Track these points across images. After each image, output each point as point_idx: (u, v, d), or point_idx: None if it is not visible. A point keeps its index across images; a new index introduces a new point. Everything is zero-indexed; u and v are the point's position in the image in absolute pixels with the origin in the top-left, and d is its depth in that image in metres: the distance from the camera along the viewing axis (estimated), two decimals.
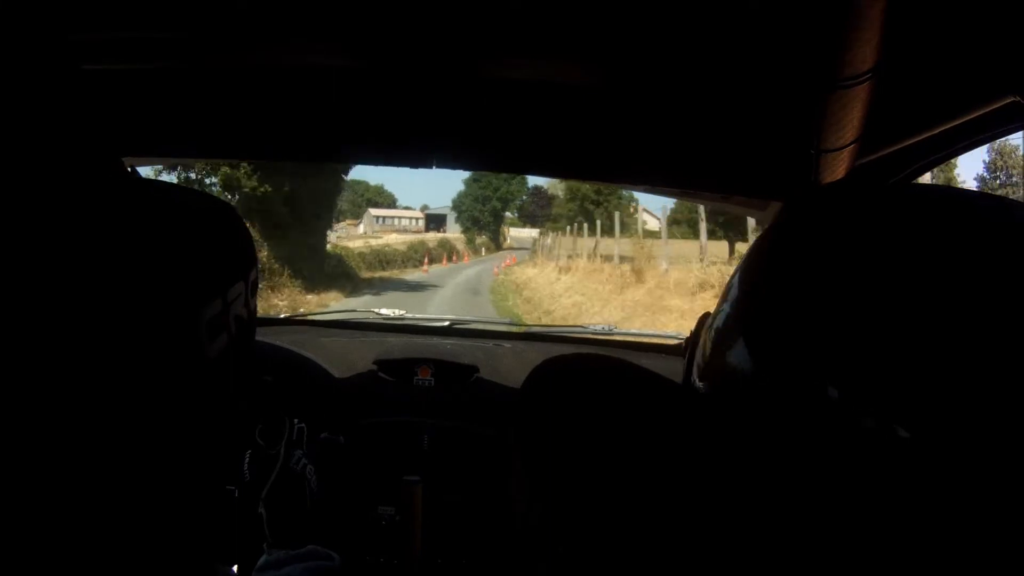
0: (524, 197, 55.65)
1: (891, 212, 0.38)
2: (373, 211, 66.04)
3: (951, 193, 0.39)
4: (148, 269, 0.48)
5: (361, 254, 27.78)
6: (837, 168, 0.89)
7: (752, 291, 0.42)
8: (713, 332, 0.44)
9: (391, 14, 0.84)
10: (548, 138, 1.14)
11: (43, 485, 0.44)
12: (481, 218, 51.82)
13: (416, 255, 32.90)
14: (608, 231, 22.75)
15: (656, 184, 1.29)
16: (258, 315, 0.62)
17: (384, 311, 2.08)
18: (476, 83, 1.01)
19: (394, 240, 37.93)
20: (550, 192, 55.22)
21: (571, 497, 0.43)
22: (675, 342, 1.84)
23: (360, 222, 62.85)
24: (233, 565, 0.81)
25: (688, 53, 0.90)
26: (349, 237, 41.85)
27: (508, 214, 56.73)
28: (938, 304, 0.33)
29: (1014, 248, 0.34)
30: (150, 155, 1.20)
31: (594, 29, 0.86)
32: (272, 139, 1.15)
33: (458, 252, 39.01)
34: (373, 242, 34.81)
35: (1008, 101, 0.76)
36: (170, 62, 0.94)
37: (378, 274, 25.51)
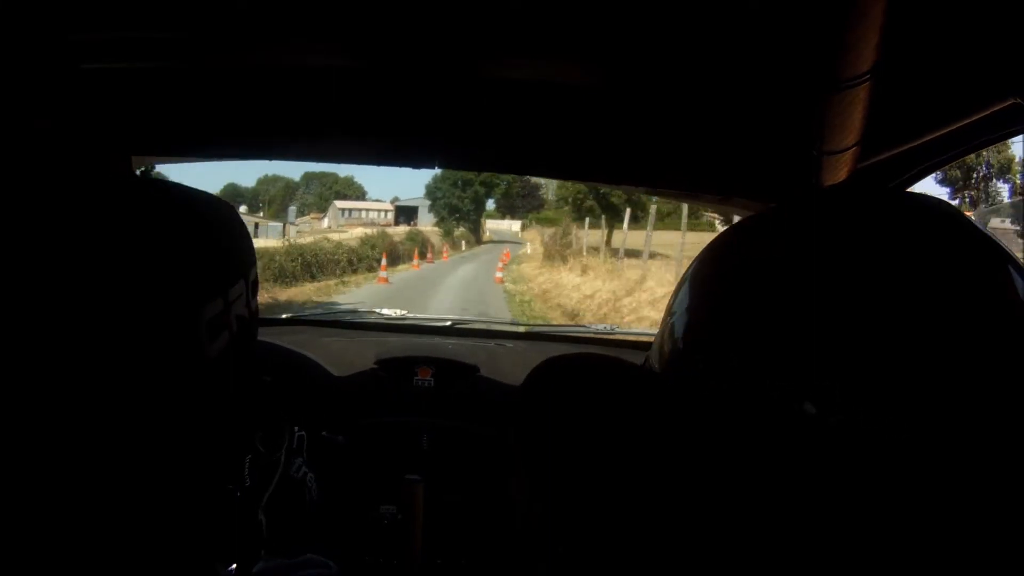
0: (508, 181, 50.60)
1: (855, 218, 0.43)
2: (339, 203, 64.68)
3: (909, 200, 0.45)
4: (149, 268, 0.52)
5: (273, 256, 18.10)
6: (839, 171, 0.95)
7: (705, 286, 0.47)
8: (672, 321, 0.48)
9: (391, 14, 0.89)
10: (548, 139, 1.20)
11: (44, 484, 0.48)
12: (461, 206, 46.44)
13: (373, 253, 23.50)
14: (636, 221, 20.28)
15: (656, 185, 1.35)
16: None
17: (385, 311, 2.16)
18: (476, 83, 1.07)
19: (358, 233, 29.86)
20: (533, 180, 53.59)
21: (571, 497, 0.46)
22: None
23: (325, 216, 61.77)
24: (232, 565, 0.86)
25: (688, 53, 0.95)
26: (312, 232, 38.29)
27: (489, 201, 53.25)
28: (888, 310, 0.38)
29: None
30: (150, 155, 1.25)
31: (594, 29, 0.91)
32: (272, 139, 1.21)
33: (434, 247, 32.49)
34: (304, 239, 24.90)
35: (1009, 103, 0.82)
36: (170, 62, 1.00)
37: (286, 294, 15.57)
